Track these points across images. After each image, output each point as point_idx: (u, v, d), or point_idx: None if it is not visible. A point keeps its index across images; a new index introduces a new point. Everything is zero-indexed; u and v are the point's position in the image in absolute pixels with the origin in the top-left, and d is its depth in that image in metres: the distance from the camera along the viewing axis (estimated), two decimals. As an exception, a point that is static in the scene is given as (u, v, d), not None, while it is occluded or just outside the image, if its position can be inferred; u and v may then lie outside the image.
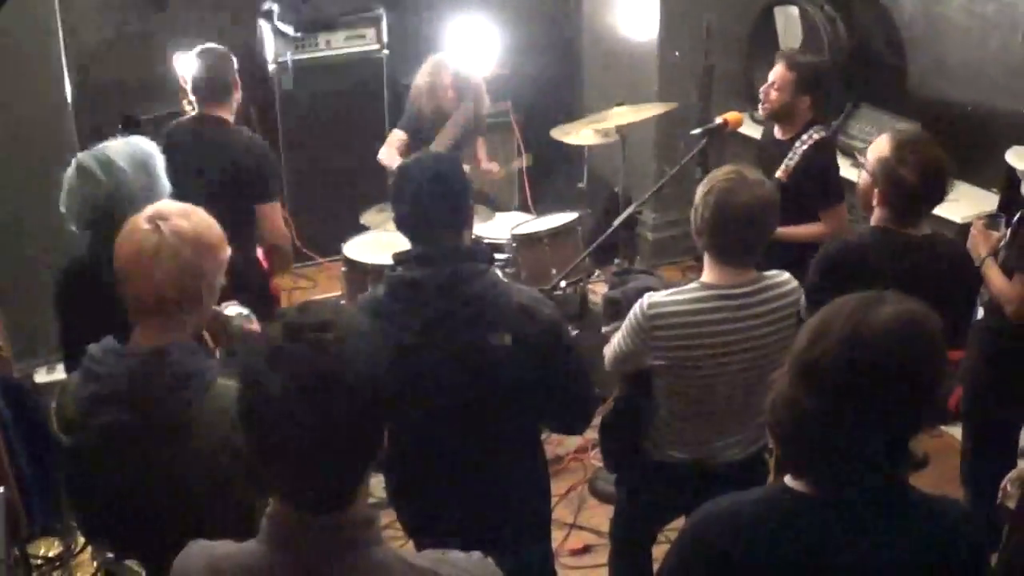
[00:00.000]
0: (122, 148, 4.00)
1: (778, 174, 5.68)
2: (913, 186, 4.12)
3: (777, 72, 5.78)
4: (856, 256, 4.25)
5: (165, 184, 4.01)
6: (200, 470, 2.88)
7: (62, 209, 3.97)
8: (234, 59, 5.73)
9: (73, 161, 3.98)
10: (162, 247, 2.95)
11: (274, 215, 5.50)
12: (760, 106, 5.91)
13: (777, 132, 5.93)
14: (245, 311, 3.45)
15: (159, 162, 4.04)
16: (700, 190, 3.91)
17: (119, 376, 2.95)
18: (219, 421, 2.58)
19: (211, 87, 5.61)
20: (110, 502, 3.07)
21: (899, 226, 4.24)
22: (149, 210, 3.07)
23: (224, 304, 3.34)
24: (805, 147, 5.68)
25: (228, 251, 3.16)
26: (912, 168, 4.12)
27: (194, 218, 3.08)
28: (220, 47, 5.75)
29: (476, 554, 2.35)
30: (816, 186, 5.68)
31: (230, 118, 5.65)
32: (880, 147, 4.24)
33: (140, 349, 2.97)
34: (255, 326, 3.42)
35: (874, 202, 4.25)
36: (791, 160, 5.68)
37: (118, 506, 3.05)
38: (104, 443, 2.96)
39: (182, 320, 3.02)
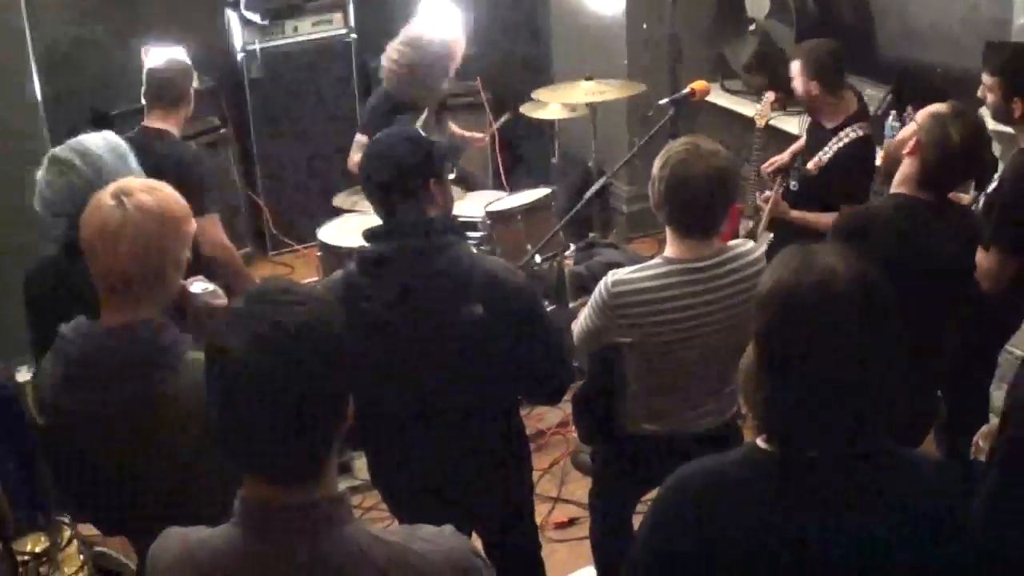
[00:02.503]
0: (97, 139, 3.99)
1: (809, 165, 5.76)
2: (955, 145, 4.11)
3: (793, 64, 5.91)
4: (872, 223, 4.24)
5: (140, 174, 3.96)
6: (177, 444, 2.90)
7: (37, 207, 3.96)
8: (195, 75, 5.72)
9: (46, 157, 3.97)
10: (126, 223, 2.96)
11: (209, 227, 5.42)
12: None
13: (823, 120, 6.00)
14: (211, 286, 3.44)
15: (132, 154, 4.04)
16: (656, 163, 3.92)
17: (91, 354, 2.97)
18: (192, 395, 2.59)
19: (162, 92, 5.57)
20: (90, 481, 3.09)
21: (919, 192, 4.24)
22: (113, 186, 3.08)
23: (189, 280, 3.34)
24: (841, 144, 5.72)
25: (193, 225, 3.18)
26: (961, 129, 4.11)
27: (158, 193, 3.09)
28: (184, 61, 5.72)
29: (448, 527, 2.34)
30: (843, 185, 5.71)
31: (174, 130, 5.60)
32: (937, 107, 4.25)
33: (110, 326, 2.98)
34: (221, 302, 3.42)
35: (905, 152, 4.24)
36: (825, 154, 5.74)
37: (99, 485, 3.07)
38: (80, 422, 2.98)
39: (149, 296, 3.03)
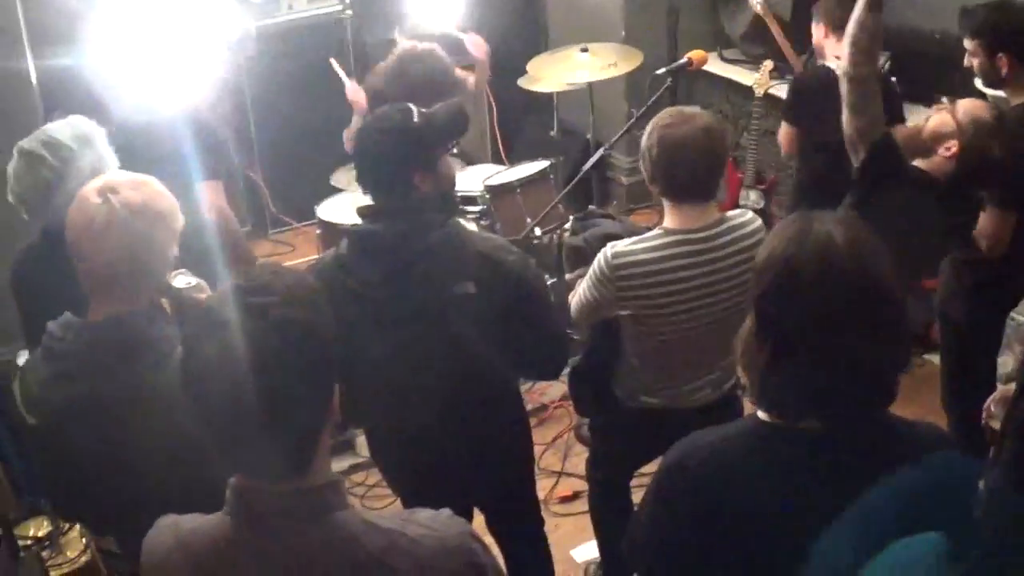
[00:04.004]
0: (63, 128, 3.93)
1: None
2: (996, 160, 4.16)
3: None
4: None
5: (112, 158, 3.94)
6: (164, 440, 2.85)
7: (10, 199, 3.93)
8: None
9: (15, 150, 3.93)
10: (112, 220, 2.92)
11: (211, 191, 5.37)
12: None
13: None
14: (194, 281, 3.39)
15: (101, 137, 3.97)
16: (644, 134, 3.90)
17: (78, 350, 2.94)
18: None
19: None
20: (78, 478, 3.06)
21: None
22: (99, 182, 3.04)
23: (173, 273, 3.31)
24: None
25: (181, 220, 3.13)
26: (1002, 143, 4.17)
27: (145, 189, 3.04)
28: None
29: (445, 511, 2.30)
30: None
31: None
32: (979, 111, 4.25)
33: (98, 321, 2.95)
34: (204, 296, 3.38)
35: (943, 151, 4.25)
36: None
37: (87, 482, 3.04)
38: (67, 419, 2.95)
39: (137, 290, 2.99)
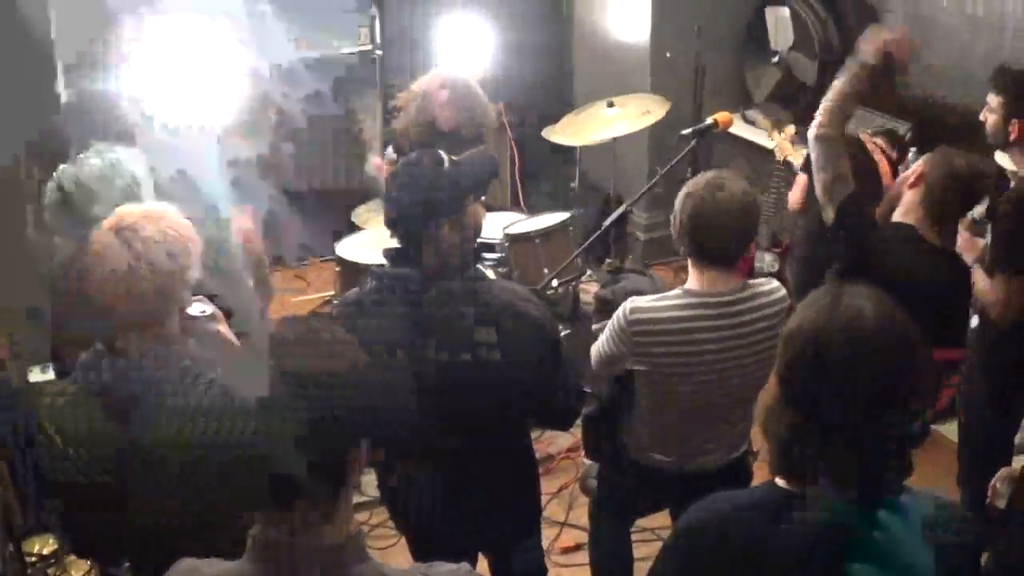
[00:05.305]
0: (99, 168, 3.97)
1: None
2: (960, 167, 4.40)
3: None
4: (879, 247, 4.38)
5: (148, 197, 3.92)
6: (192, 472, 2.82)
7: (51, 184, 3.96)
8: None
9: (54, 175, 3.96)
10: (137, 263, 2.95)
11: (239, 215, 5.32)
12: None
13: None
14: (209, 309, 3.40)
15: (142, 174, 4.00)
16: (679, 195, 3.91)
17: (109, 383, 2.95)
18: (208, 421, 2.58)
19: None
20: (100, 511, 3.06)
21: (923, 223, 4.41)
22: (112, 222, 3.06)
23: (190, 299, 3.32)
24: None
25: (200, 242, 3.16)
26: (965, 157, 4.45)
27: (160, 222, 3.06)
28: None
29: (464, 567, 2.31)
30: None
31: None
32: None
33: (126, 352, 2.97)
34: (221, 326, 3.39)
35: (907, 184, 4.44)
36: None
37: (108, 515, 3.05)
38: (95, 452, 2.96)
39: (163, 318, 3.01)
